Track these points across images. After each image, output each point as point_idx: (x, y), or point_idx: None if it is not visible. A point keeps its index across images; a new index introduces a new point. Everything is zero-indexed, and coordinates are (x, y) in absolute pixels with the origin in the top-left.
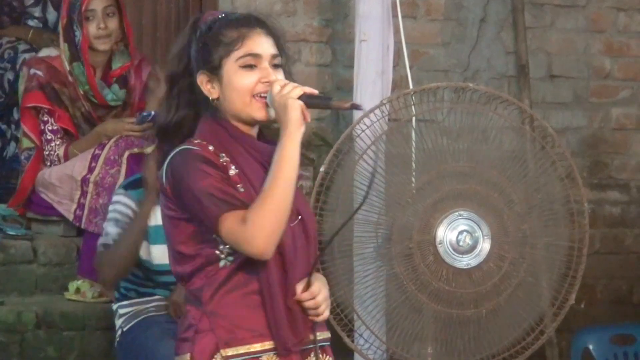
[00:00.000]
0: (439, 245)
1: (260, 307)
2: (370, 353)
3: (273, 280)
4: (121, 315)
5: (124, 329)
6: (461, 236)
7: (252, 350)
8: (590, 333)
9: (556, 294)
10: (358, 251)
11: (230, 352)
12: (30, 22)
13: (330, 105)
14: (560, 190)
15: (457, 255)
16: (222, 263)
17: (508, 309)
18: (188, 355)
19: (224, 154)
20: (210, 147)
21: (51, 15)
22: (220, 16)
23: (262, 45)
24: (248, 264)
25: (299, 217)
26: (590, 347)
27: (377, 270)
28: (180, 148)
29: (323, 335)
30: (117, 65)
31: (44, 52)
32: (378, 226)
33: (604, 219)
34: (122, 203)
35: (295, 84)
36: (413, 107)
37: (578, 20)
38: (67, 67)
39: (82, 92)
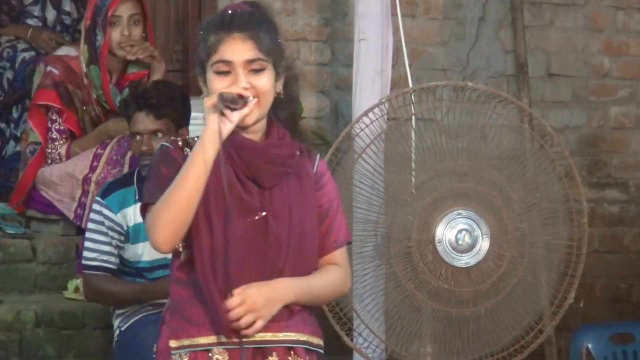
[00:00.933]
0: (438, 244)
1: (204, 300)
2: (369, 352)
3: (205, 273)
4: (118, 315)
5: (122, 329)
6: (460, 235)
7: (196, 343)
8: (590, 332)
9: (555, 292)
10: (357, 250)
11: (175, 344)
12: (30, 21)
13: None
14: (559, 189)
15: (456, 254)
16: (182, 256)
17: (507, 308)
18: (155, 347)
19: (187, 149)
20: (180, 143)
21: (50, 14)
22: (212, 18)
23: (235, 51)
24: (194, 257)
25: (263, 214)
26: (590, 345)
27: (376, 269)
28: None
29: (289, 336)
30: (132, 70)
31: (64, 51)
32: (377, 225)
33: (603, 217)
34: (98, 212)
35: (229, 91)
36: (412, 105)
37: (577, 19)
38: (84, 69)
39: (94, 97)
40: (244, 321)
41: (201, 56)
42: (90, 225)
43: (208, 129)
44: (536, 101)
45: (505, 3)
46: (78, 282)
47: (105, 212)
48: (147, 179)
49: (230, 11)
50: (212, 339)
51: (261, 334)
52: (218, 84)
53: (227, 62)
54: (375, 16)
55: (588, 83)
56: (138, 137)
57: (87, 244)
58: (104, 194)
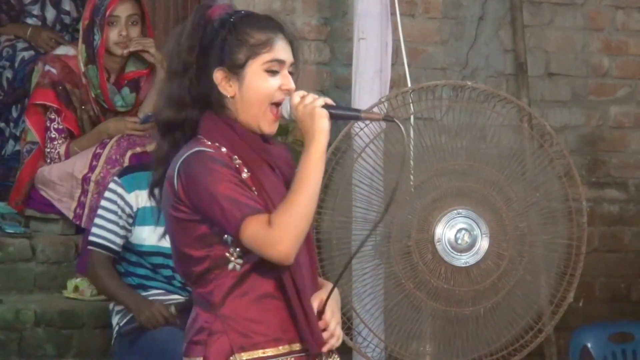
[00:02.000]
0: (438, 244)
1: (273, 311)
2: (368, 351)
3: (288, 284)
4: (117, 313)
5: (121, 327)
6: (459, 234)
7: (266, 355)
8: (589, 331)
9: (554, 292)
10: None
11: (245, 356)
12: (29, 20)
13: (360, 117)
14: (559, 188)
15: (456, 253)
16: (230, 266)
17: (506, 307)
18: (201, 359)
19: (236, 157)
20: (223, 149)
21: (50, 13)
22: (243, 13)
23: (286, 51)
24: (258, 267)
25: None
26: (589, 345)
27: (376, 268)
28: (194, 150)
29: None
30: (130, 69)
31: (62, 50)
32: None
33: (603, 217)
34: (112, 191)
35: (315, 95)
36: (411, 105)
37: (576, 19)
38: (83, 69)
39: (93, 96)
40: (338, 332)
41: (241, 52)
42: (103, 203)
43: (326, 133)
44: (535, 100)
45: (505, 2)
46: (77, 281)
47: (120, 190)
48: (220, 198)
49: (267, 14)
50: (283, 349)
51: None
52: (267, 84)
53: (281, 62)
54: (375, 15)
55: (587, 82)
56: None
57: (97, 220)
58: (121, 173)
